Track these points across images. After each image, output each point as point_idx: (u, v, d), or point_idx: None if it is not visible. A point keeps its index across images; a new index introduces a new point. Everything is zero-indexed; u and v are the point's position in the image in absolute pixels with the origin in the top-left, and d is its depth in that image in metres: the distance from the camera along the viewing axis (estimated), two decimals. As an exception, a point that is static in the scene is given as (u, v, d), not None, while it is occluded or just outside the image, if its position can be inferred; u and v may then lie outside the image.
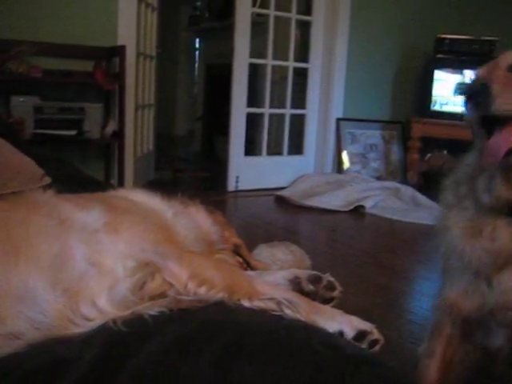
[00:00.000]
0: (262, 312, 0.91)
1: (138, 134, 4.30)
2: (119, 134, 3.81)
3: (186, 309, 0.87)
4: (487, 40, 4.72)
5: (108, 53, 3.80)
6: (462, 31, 4.85)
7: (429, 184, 4.59)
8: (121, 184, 3.81)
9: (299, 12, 4.74)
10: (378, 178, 4.78)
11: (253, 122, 4.73)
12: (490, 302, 1.22)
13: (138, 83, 4.18)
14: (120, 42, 3.79)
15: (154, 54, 4.65)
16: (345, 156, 4.82)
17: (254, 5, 4.56)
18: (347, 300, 2.37)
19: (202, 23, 6.89)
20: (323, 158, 4.85)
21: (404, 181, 4.76)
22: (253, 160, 4.65)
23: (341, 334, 0.92)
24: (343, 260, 3.02)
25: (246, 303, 0.91)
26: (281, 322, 0.88)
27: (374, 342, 0.92)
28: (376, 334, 0.93)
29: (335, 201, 4.07)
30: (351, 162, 4.83)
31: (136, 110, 4.14)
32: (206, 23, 6.77)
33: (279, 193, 4.31)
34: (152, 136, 4.80)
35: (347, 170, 4.80)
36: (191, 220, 1.11)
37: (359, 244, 3.41)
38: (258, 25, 4.65)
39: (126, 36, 3.83)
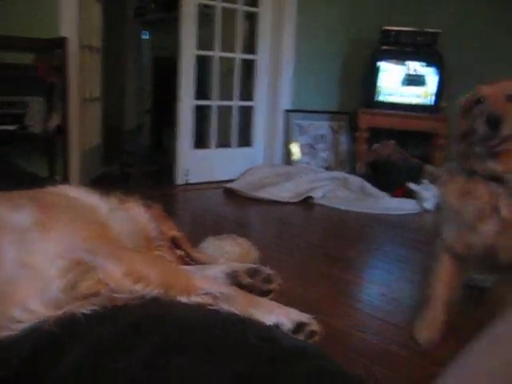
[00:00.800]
0: (199, 307, 0.90)
1: (84, 128, 4.21)
2: (63, 129, 3.71)
3: (121, 306, 0.85)
4: (430, 32, 4.81)
5: (50, 45, 3.69)
6: (407, 23, 4.93)
7: (377, 173, 4.65)
8: (66, 180, 3.72)
9: (246, 3, 4.73)
10: (327, 169, 4.82)
11: (201, 114, 4.70)
12: (476, 246, 1.84)
13: (83, 76, 4.09)
14: (62, 34, 3.69)
15: (99, 46, 4.56)
16: (294, 147, 4.84)
17: (200, -4, 4.52)
18: (296, 291, 2.39)
19: (148, 14, 6.79)
20: (272, 149, 4.86)
21: (352, 171, 4.82)
22: (202, 153, 4.62)
23: (278, 326, 0.91)
24: (292, 251, 3.04)
25: (183, 299, 0.90)
26: (217, 316, 0.87)
27: (312, 334, 0.92)
28: (314, 325, 0.93)
29: (284, 192, 4.09)
30: (300, 153, 4.86)
31: (81, 103, 4.04)
32: (152, 14, 6.68)
33: (228, 185, 4.29)
34: (99, 130, 4.71)
35: (297, 161, 4.82)
36: (128, 216, 1.09)
37: (308, 235, 3.44)
38: (206, 16, 4.61)
39: (68, 28, 3.73)
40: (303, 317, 0.93)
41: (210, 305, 0.89)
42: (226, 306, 0.89)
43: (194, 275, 0.96)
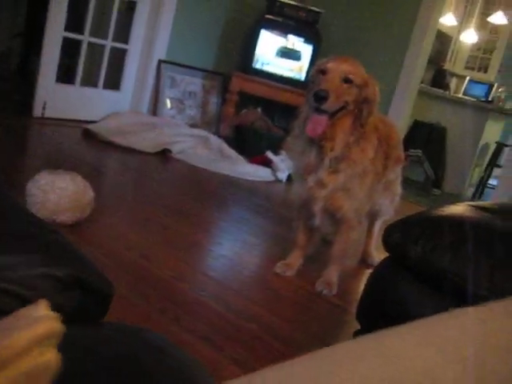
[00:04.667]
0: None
1: None
2: None
3: None
4: (314, 11, 4.93)
5: None
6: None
7: (239, 138, 4.74)
8: None
9: None
10: (192, 126, 4.81)
11: (70, 47, 4.45)
12: (305, 196, 2.25)
13: None
14: None
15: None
16: (165, 98, 4.78)
17: None
18: (129, 238, 2.40)
19: None
20: (140, 97, 4.75)
21: (216, 132, 4.86)
22: (64, 88, 4.39)
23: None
24: (135, 199, 3.04)
25: None
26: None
27: None
28: None
29: (144, 142, 4.04)
30: (169, 107, 4.81)
31: None
32: None
33: (89, 126, 4.14)
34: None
35: (164, 112, 4.77)
36: None
37: (157, 186, 3.45)
38: None
39: None
40: None
41: None
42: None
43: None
